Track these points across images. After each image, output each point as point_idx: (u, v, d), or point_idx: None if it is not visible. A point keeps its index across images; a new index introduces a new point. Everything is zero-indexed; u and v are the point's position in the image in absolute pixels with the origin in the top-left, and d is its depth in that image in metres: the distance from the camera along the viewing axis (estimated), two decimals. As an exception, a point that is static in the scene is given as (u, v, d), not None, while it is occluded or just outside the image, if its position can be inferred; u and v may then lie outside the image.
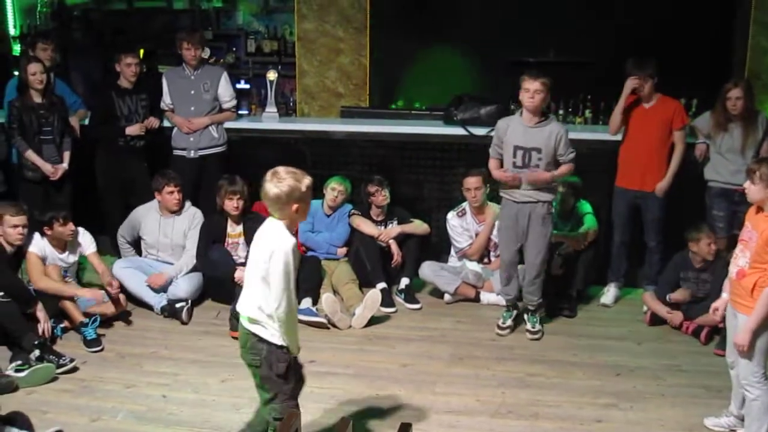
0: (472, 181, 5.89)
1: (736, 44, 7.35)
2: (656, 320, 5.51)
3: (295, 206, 3.22)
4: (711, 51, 7.31)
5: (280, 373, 3.32)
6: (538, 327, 5.30)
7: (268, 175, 3.23)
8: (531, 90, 4.90)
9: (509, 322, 5.37)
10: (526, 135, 4.99)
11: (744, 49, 7.13)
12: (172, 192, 5.75)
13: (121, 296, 5.41)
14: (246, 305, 3.33)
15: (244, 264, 5.43)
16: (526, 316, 5.36)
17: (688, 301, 5.41)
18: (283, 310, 3.21)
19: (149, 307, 5.62)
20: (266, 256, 3.20)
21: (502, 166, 5.18)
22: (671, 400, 4.42)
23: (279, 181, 3.19)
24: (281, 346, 3.30)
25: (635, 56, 5.60)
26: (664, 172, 5.64)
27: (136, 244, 6.05)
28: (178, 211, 5.84)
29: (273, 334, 3.28)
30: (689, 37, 7.15)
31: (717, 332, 5.18)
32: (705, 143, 5.72)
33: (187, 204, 5.92)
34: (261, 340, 3.29)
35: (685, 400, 4.42)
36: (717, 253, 5.36)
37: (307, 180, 3.27)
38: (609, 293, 5.98)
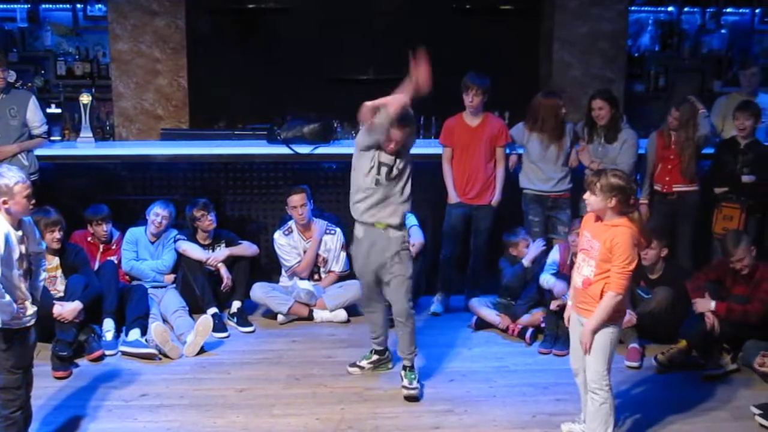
0: (296, 199, 5.87)
1: (542, 59, 7.81)
2: (482, 324, 5.71)
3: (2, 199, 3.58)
4: (521, 67, 7.71)
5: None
6: (415, 384, 4.66)
7: None
8: (394, 141, 4.44)
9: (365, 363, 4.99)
10: None
11: (549, 64, 7.60)
12: None
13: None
14: None
15: (63, 298, 5.14)
16: (402, 373, 4.73)
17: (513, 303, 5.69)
18: None
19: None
20: None
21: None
22: (502, 401, 4.59)
23: None
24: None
25: (473, 70, 5.78)
26: (493, 185, 5.91)
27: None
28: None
29: None
30: (500, 53, 7.49)
31: (540, 332, 5.45)
32: (516, 153, 6.02)
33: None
34: None
35: (515, 399, 4.60)
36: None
37: (16, 178, 3.61)
38: (438, 302, 6.13)
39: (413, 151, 4.68)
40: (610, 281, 3.72)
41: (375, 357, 5.01)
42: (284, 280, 6.12)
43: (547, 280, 5.37)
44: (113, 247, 5.92)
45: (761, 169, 5.75)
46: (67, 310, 5.04)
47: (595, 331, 3.77)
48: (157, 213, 5.89)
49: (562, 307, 5.24)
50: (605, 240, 3.73)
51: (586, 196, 3.82)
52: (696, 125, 5.79)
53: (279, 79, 7.58)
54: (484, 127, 5.87)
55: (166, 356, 5.15)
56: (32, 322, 3.74)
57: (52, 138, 6.63)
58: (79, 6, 7.88)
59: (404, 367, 4.73)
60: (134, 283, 5.81)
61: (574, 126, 5.98)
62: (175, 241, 5.95)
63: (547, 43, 7.65)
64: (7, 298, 3.55)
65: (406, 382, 4.67)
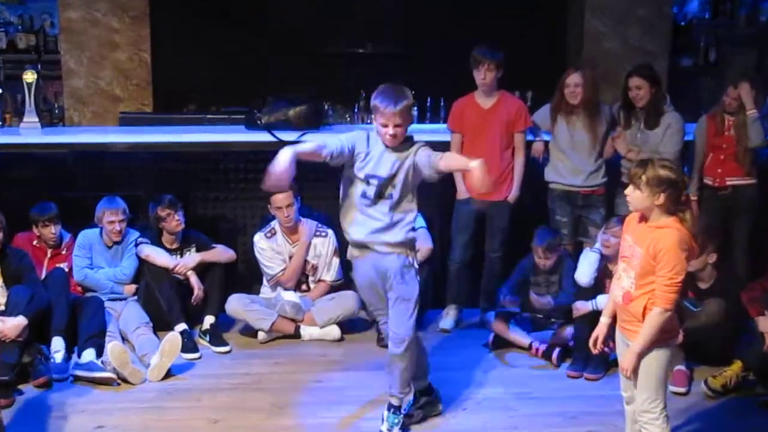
0: (281, 198, 5.84)
1: (570, 30, 7.82)
2: (501, 343, 5.72)
3: None
4: (545, 38, 7.71)
5: None
6: (396, 431, 4.46)
7: None
8: (391, 125, 4.27)
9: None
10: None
11: (579, 35, 7.60)
12: None
13: None
14: None
15: (4, 313, 5.15)
16: (385, 413, 4.48)
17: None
18: None
19: None
20: None
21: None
22: (525, 433, 4.59)
23: None
24: None
25: (485, 42, 5.75)
26: (510, 177, 5.90)
27: None
28: None
29: None
30: (520, 24, 7.52)
31: (569, 353, 5.45)
32: (542, 141, 6.02)
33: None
34: None
35: (540, 431, 4.60)
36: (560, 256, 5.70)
37: None
38: (448, 317, 6.14)
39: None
40: (656, 295, 3.68)
41: (423, 399, 4.68)
42: (266, 291, 6.13)
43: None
44: (63, 252, 5.93)
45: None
46: (8, 326, 5.04)
47: (641, 355, 3.75)
48: (111, 220, 5.85)
49: (588, 318, 5.26)
50: (649, 245, 3.69)
51: (629, 191, 3.78)
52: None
53: (260, 54, 7.61)
54: (499, 109, 5.86)
55: (125, 381, 5.15)
56: None
57: (-10, 123, 6.67)
58: (23, -32, 7.92)
59: (390, 407, 4.47)
60: (88, 294, 5.81)
61: (610, 108, 5.97)
62: (136, 245, 5.96)
63: (578, 10, 7.66)
64: None
65: (385, 427, 4.43)
